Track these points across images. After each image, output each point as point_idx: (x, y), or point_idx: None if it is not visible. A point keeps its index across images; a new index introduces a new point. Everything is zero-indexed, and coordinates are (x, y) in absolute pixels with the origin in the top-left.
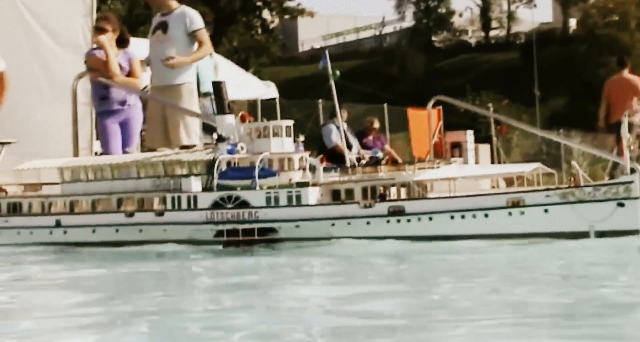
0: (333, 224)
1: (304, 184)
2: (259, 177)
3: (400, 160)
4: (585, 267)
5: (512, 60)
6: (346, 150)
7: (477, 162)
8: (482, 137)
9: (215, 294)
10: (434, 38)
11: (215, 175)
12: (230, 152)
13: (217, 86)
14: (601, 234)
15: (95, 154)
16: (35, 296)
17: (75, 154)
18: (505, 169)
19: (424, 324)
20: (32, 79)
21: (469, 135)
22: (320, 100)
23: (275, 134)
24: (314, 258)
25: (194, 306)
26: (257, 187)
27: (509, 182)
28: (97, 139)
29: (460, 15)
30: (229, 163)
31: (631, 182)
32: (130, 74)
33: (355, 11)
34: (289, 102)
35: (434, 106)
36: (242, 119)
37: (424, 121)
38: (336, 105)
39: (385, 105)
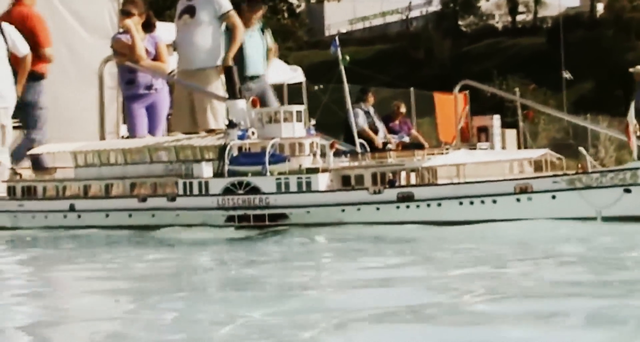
0: (343, 210)
1: (314, 170)
2: (270, 163)
3: (426, 145)
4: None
5: (538, 44)
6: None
7: (503, 146)
8: (508, 122)
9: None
10: (460, 22)
11: (226, 161)
12: (241, 137)
13: (229, 71)
14: (608, 220)
15: (122, 138)
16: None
17: (102, 138)
18: (513, 155)
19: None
20: (59, 64)
21: (496, 119)
22: (346, 84)
23: (286, 119)
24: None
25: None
26: (268, 173)
27: (537, 166)
28: (124, 123)
29: None
30: (240, 148)
31: (638, 168)
32: (156, 58)
33: None
34: (315, 86)
35: (460, 90)
36: (254, 104)
37: (451, 106)
38: (346, 90)
39: (411, 89)
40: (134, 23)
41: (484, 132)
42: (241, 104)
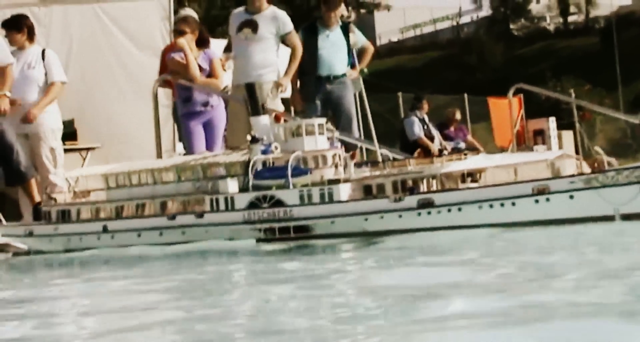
0: (366, 219)
1: (336, 181)
2: (292, 175)
3: (482, 150)
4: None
5: (591, 45)
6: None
7: (560, 148)
8: (564, 124)
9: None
10: (511, 26)
11: (251, 175)
12: (264, 152)
13: (251, 89)
14: (627, 217)
15: (179, 155)
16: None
17: (158, 155)
18: (531, 157)
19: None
20: (113, 82)
21: (552, 122)
22: (399, 93)
23: (308, 133)
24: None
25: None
26: (291, 186)
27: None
28: (180, 140)
29: (538, 1)
30: (264, 163)
31: None
32: (210, 74)
33: (432, 2)
34: (367, 95)
35: (514, 94)
36: (277, 119)
37: (505, 110)
38: (365, 102)
39: (465, 95)
40: (188, 41)
41: (540, 135)
42: (264, 119)
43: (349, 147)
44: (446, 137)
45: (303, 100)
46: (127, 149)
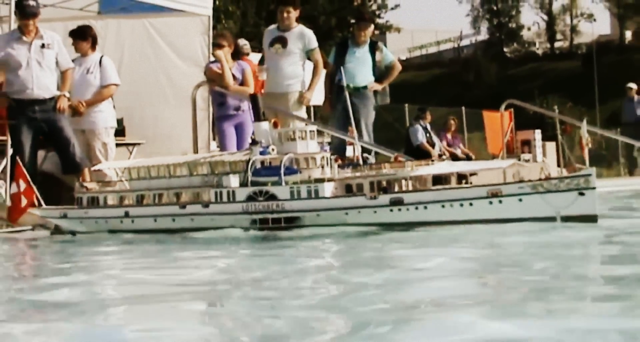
0: (346, 213)
1: (321, 180)
2: (285, 174)
3: (473, 157)
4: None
5: (574, 67)
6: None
7: (544, 156)
8: (549, 136)
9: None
10: (505, 49)
11: (250, 173)
12: (263, 153)
13: (254, 98)
14: (566, 219)
15: (213, 152)
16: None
17: (195, 152)
18: (488, 165)
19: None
20: (158, 88)
21: (537, 134)
22: (406, 105)
23: (300, 138)
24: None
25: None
26: (283, 183)
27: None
28: (214, 139)
29: (529, 29)
30: (262, 163)
31: (589, 174)
32: (243, 83)
33: (437, 26)
34: (378, 106)
35: (506, 109)
36: (275, 125)
37: (498, 122)
38: (350, 114)
39: (463, 108)
40: (224, 53)
41: (527, 145)
42: (264, 125)
43: (364, 151)
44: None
45: (330, 106)
46: (167, 145)
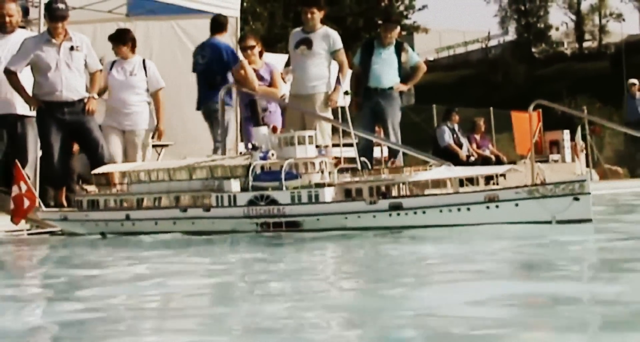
0: (346, 217)
1: (322, 185)
2: (285, 179)
3: (504, 159)
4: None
5: (603, 68)
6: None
7: (573, 158)
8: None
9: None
10: (533, 49)
11: (250, 178)
12: (263, 158)
13: (253, 104)
14: (561, 223)
15: (240, 153)
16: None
17: (223, 153)
18: (485, 170)
19: None
20: (187, 90)
21: (566, 134)
22: (434, 105)
23: (300, 143)
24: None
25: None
26: (284, 188)
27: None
28: (242, 141)
29: (557, 29)
30: (262, 167)
31: (584, 180)
32: (271, 84)
33: (464, 27)
34: (404, 107)
35: (534, 109)
36: (274, 130)
37: (526, 123)
38: (348, 118)
39: (491, 109)
40: (253, 53)
41: (556, 146)
42: (263, 130)
43: (391, 151)
44: (476, 143)
45: (357, 107)
46: (196, 147)
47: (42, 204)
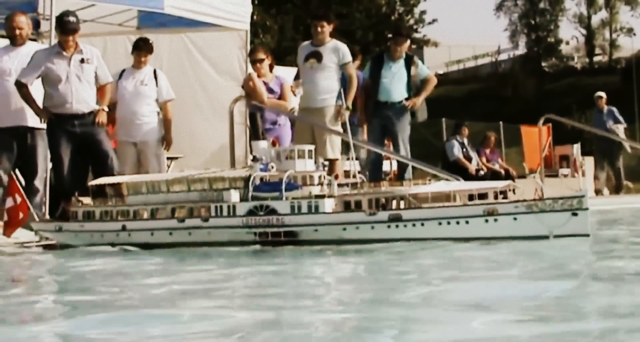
0: (345, 229)
1: (321, 196)
2: (285, 190)
3: (514, 174)
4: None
5: (613, 82)
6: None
7: (583, 172)
8: (587, 151)
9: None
10: (543, 64)
11: (250, 188)
12: (262, 170)
13: (253, 117)
14: (559, 237)
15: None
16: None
17: (232, 166)
18: (483, 185)
19: None
20: (195, 102)
21: (576, 148)
22: (443, 119)
23: (299, 156)
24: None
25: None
26: (284, 198)
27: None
28: (251, 153)
29: (567, 43)
30: (262, 179)
31: (582, 196)
32: (281, 97)
33: (474, 41)
34: (417, 122)
35: (544, 123)
36: (273, 144)
37: (536, 137)
38: (349, 133)
39: (500, 123)
40: (262, 66)
41: (565, 160)
42: (263, 144)
43: (400, 165)
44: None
45: (366, 120)
46: (205, 159)
47: (36, 215)
